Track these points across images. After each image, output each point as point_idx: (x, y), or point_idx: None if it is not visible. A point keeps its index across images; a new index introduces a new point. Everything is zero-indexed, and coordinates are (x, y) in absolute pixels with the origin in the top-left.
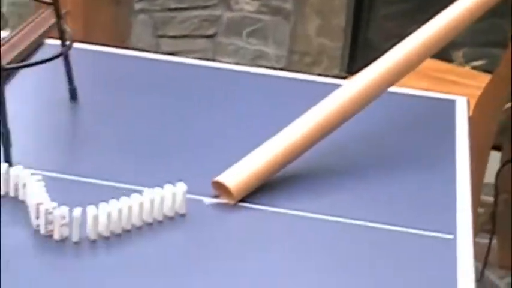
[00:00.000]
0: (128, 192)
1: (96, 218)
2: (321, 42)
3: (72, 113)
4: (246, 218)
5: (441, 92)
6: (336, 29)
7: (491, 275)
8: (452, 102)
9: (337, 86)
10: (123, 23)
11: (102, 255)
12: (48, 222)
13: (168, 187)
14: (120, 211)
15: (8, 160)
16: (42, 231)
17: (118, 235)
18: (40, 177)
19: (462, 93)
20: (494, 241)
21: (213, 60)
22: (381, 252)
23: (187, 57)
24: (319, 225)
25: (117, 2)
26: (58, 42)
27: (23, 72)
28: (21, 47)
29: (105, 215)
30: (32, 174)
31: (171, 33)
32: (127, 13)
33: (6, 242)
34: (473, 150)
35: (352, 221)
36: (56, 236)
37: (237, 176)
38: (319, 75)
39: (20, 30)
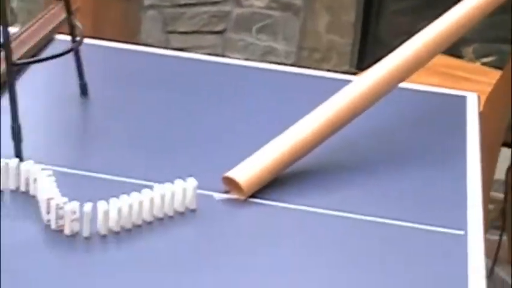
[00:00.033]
0: (138, 188)
1: (106, 213)
2: (331, 39)
3: (82, 109)
4: (257, 213)
5: (451, 88)
6: (346, 25)
7: (501, 272)
8: (462, 99)
9: (347, 82)
10: (132, 19)
11: (112, 250)
12: (59, 217)
13: (179, 182)
14: (130, 206)
15: (18, 155)
16: (53, 226)
17: (128, 230)
18: (51, 172)
19: (472, 89)
20: (504, 238)
21: (223, 56)
22: (391, 248)
23: (196, 53)
24: (330, 221)
25: None
26: (68, 37)
27: (34, 67)
28: (32, 43)
29: (115, 210)
30: (42, 169)
31: (181, 29)
32: (136, 9)
33: (17, 237)
34: (484, 146)
35: (363, 217)
36: (67, 231)
37: (247, 171)
38: (329, 71)
39: (30, 26)
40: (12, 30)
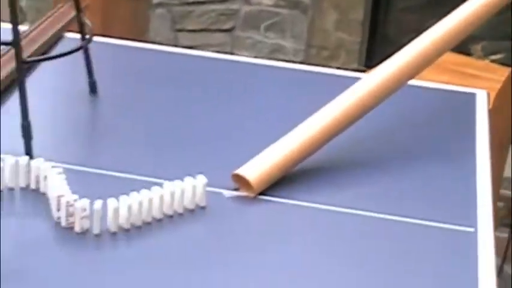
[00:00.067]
0: (148, 185)
1: (116, 211)
2: (339, 37)
3: (92, 106)
4: (266, 210)
5: (460, 85)
6: (354, 23)
7: (510, 270)
8: (472, 96)
9: (356, 79)
10: (141, 17)
11: (122, 247)
12: (69, 215)
13: (188, 180)
14: (140, 204)
15: (28, 153)
16: (63, 223)
17: (138, 227)
18: (61, 169)
19: (481, 86)
20: None
21: (231, 54)
22: (401, 245)
23: (205, 51)
24: (340, 218)
25: None
26: (78, 36)
27: (43, 65)
28: (41, 41)
29: (125, 207)
30: (53, 166)
31: (189, 27)
32: (145, 7)
33: (28, 234)
34: (493, 143)
35: (373, 214)
36: (77, 228)
37: (257, 168)
38: (338, 69)
39: (39, 24)
40: (22, 28)
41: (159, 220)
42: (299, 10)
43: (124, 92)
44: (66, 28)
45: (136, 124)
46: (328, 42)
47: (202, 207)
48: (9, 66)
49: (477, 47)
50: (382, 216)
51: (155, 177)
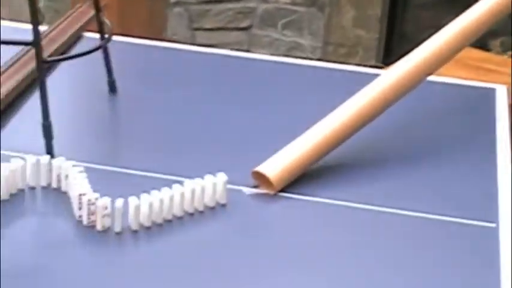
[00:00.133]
0: (169, 183)
1: (138, 209)
2: (357, 34)
3: (112, 105)
4: (286, 208)
5: (480, 80)
6: (372, 20)
7: None
8: (492, 91)
9: (374, 76)
10: (158, 16)
11: (144, 245)
12: (91, 213)
13: (209, 178)
14: (161, 201)
15: (50, 152)
16: (85, 222)
17: (159, 225)
18: (82, 168)
19: (500, 81)
20: None
21: (248, 52)
22: (424, 241)
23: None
24: (361, 215)
25: None
26: (97, 35)
27: (63, 65)
28: (61, 41)
29: (147, 205)
30: (74, 165)
31: (207, 26)
32: (163, 6)
33: (50, 233)
34: None
35: (394, 211)
36: (98, 227)
37: (277, 166)
38: (358, 65)
39: (58, 24)
40: (41, 29)
41: (180, 218)
42: (316, 7)
43: (143, 90)
44: (85, 28)
45: (156, 122)
46: (345, 39)
47: (223, 205)
48: (30, 66)
49: (496, 43)
50: (402, 212)
51: (176, 175)
